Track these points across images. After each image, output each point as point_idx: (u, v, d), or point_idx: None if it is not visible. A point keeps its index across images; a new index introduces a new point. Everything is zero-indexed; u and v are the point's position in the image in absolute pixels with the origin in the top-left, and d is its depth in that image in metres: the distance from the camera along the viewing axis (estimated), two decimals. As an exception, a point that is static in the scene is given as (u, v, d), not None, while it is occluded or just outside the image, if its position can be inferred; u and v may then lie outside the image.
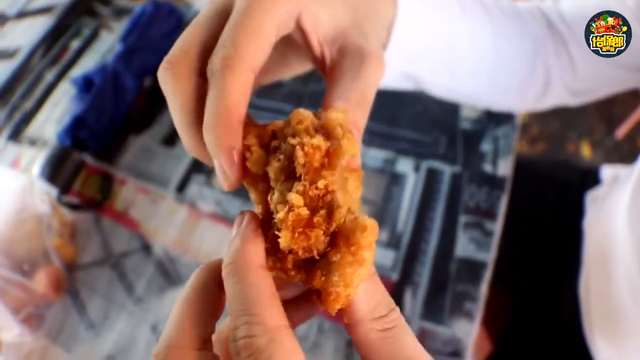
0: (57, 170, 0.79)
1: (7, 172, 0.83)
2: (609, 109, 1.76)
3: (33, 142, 0.88)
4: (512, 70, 0.60)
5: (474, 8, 0.55)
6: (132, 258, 0.74)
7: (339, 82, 0.34)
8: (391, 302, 0.29)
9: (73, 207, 0.78)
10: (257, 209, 0.31)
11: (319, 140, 0.28)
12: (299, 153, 0.28)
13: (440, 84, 0.57)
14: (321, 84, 0.82)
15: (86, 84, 0.83)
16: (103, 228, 0.77)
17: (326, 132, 0.30)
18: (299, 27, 0.35)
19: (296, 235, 0.27)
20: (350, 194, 0.31)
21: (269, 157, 0.30)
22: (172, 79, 0.32)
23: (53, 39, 1.02)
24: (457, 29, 0.53)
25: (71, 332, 0.71)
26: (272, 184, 0.30)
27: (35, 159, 0.84)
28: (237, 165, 0.30)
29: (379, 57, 0.35)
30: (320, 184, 0.27)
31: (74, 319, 0.71)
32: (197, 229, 0.74)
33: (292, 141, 0.29)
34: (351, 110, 0.32)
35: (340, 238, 0.27)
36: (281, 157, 0.29)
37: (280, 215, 0.27)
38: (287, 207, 0.27)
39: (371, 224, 0.27)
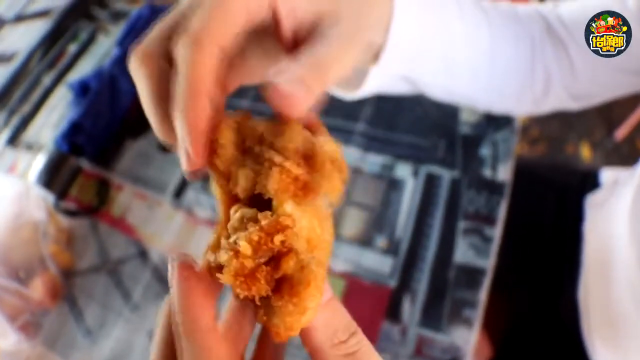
0: (54, 176, 0.79)
1: (3, 178, 0.82)
2: (609, 111, 1.76)
3: (30, 147, 0.88)
4: (510, 72, 0.60)
5: (471, 10, 0.55)
6: (128, 264, 0.73)
7: (298, 54, 0.33)
8: (351, 325, 0.28)
9: (70, 213, 0.78)
10: (219, 207, 0.31)
11: (298, 171, 0.28)
12: (274, 178, 0.27)
13: (438, 85, 0.57)
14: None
15: (83, 89, 0.83)
16: (100, 234, 0.77)
17: (313, 162, 0.29)
18: (273, 13, 0.34)
19: (237, 282, 0.26)
20: (319, 218, 0.30)
21: (244, 157, 0.29)
22: (138, 64, 0.32)
23: (50, 42, 1.02)
24: (454, 31, 0.53)
25: (68, 340, 0.70)
26: (238, 192, 0.29)
27: (32, 164, 0.84)
28: (201, 144, 0.29)
29: (347, 49, 0.35)
30: (277, 239, 0.26)
31: (71, 326, 0.71)
32: (194, 235, 0.74)
33: (274, 157, 0.28)
34: (305, 69, 0.31)
35: (284, 285, 0.26)
36: (258, 168, 0.28)
37: (223, 257, 0.26)
38: (232, 252, 0.26)
39: (315, 278, 0.26)
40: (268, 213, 0.27)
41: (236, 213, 0.28)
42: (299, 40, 0.36)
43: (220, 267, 0.26)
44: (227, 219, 0.29)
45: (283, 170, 0.27)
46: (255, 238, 0.26)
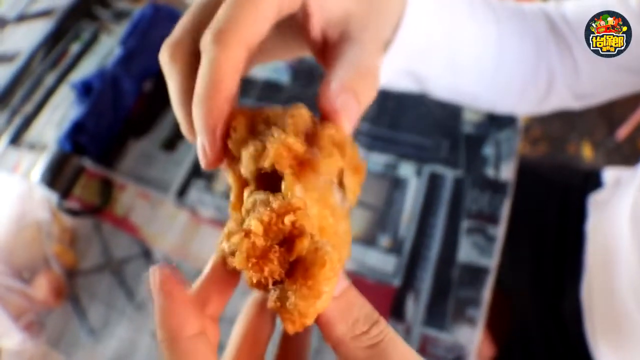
0: (57, 176, 0.79)
1: (6, 178, 0.82)
2: (610, 110, 1.76)
3: (33, 147, 0.88)
4: (514, 70, 0.60)
5: (482, 8, 0.55)
6: (132, 264, 0.73)
7: (341, 59, 0.33)
8: (373, 314, 0.27)
9: (73, 212, 0.78)
10: (232, 192, 0.31)
11: (295, 142, 0.27)
12: (272, 150, 0.27)
13: (443, 83, 0.57)
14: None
15: (85, 89, 0.83)
16: (103, 233, 0.77)
17: (316, 143, 0.29)
18: (304, 7, 0.33)
19: (249, 264, 0.25)
20: (332, 210, 0.29)
21: (252, 139, 0.29)
22: (168, 60, 0.32)
23: (53, 42, 1.02)
24: (464, 29, 0.53)
25: (72, 339, 0.70)
26: (243, 172, 0.29)
27: (35, 164, 0.84)
28: (218, 143, 0.30)
29: (378, 51, 0.35)
30: (287, 220, 0.25)
31: (75, 326, 0.71)
32: (197, 234, 0.74)
33: (274, 132, 0.28)
34: (354, 79, 0.31)
35: (298, 268, 0.25)
36: (258, 144, 0.28)
37: (234, 239, 0.26)
38: (243, 232, 0.25)
39: (331, 259, 0.25)
40: (280, 195, 0.26)
41: (249, 197, 0.28)
42: (327, 37, 0.35)
43: (234, 254, 0.26)
44: (241, 203, 0.29)
45: (282, 143, 0.27)
46: (266, 219, 0.25)
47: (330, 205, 0.29)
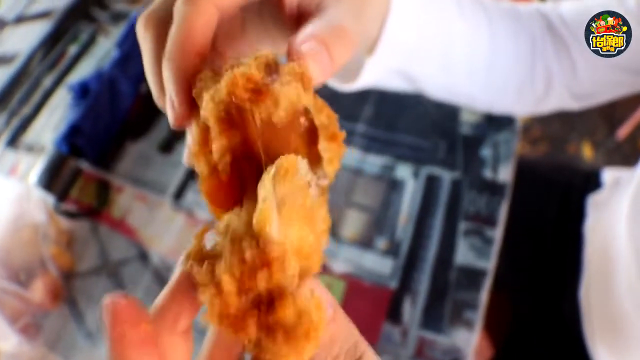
0: (54, 178, 0.79)
1: (3, 181, 0.82)
2: (610, 110, 1.75)
3: (30, 149, 0.88)
4: (509, 71, 0.59)
5: (471, 8, 0.55)
6: (129, 266, 0.73)
7: (313, 21, 0.32)
8: (356, 350, 0.25)
9: (70, 215, 0.78)
10: (193, 142, 0.29)
11: (251, 68, 0.26)
12: (228, 76, 0.26)
13: (436, 83, 0.57)
14: (321, 88, 0.81)
15: (82, 91, 0.83)
16: (100, 236, 0.77)
17: (277, 74, 0.27)
18: None
19: (223, 324, 0.22)
20: (310, 216, 0.27)
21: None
22: (142, 29, 0.32)
23: (51, 44, 1.02)
24: (453, 29, 0.53)
25: (69, 341, 0.70)
26: (203, 115, 0.27)
27: (33, 166, 0.84)
28: (186, 96, 0.29)
29: (354, 18, 0.34)
30: (262, 278, 0.22)
31: (72, 328, 0.71)
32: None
33: (235, 69, 0.26)
34: (326, 34, 0.30)
35: (278, 329, 0.23)
36: (217, 85, 0.27)
37: (204, 295, 0.23)
38: (213, 287, 0.22)
39: (315, 328, 0.22)
40: (253, 242, 0.23)
41: (224, 221, 0.26)
42: (303, 16, 0.35)
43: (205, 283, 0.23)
44: (206, 149, 0.28)
45: (237, 72, 0.26)
46: (237, 273, 0.23)
47: (308, 215, 0.27)
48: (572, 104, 0.65)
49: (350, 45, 0.31)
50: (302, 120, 0.30)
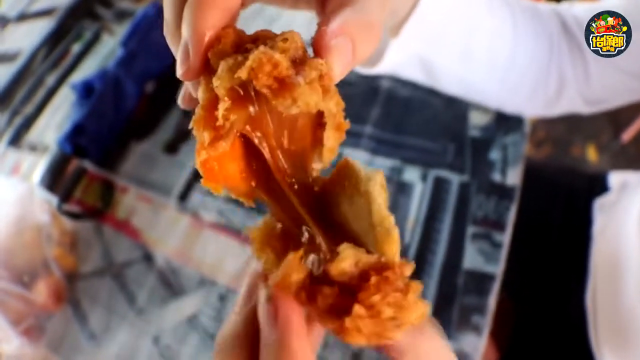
0: (58, 178, 0.79)
1: (6, 181, 0.82)
2: (615, 113, 1.74)
3: (33, 148, 0.87)
4: (526, 70, 0.59)
5: (499, 3, 0.55)
6: (133, 268, 0.73)
7: (343, 7, 0.31)
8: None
9: (73, 215, 0.77)
10: (199, 107, 0.29)
11: (281, 57, 0.25)
12: (253, 56, 0.25)
13: (453, 75, 0.57)
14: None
15: (86, 90, 0.82)
16: (104, 237, 0.76)
17: (301, 71, 0.27)
18: None
19: (364, 341, 0.24)
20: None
21: (232, 54, 0.28)
22: None
23: (54, 42, 1.01)
24: (480, 21, 0.53)
25: (72, 343, 0.70)
26: (215, 84, 0.27)
27: (36, 165, 0.84)
28: (203, 49, 0.28)
29: (382, 10, 0.33)
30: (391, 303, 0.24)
31: (75, 330, 0.70)
32: (199, 239, 0.73)
33: (261, 47, 0.26)
34: (354, 27, 0.29)
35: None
36: (240, 57, 0.26)
37: (351, 321, 0.24)
38: (364, 315, 0.24)
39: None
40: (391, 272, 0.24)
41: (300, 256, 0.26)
42: None
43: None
44: (211, 118, 0.28)
45: (265, 54, 0.25)
46: (378, 300, 0.24)
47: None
48: (583, 109, 0.65)
49: (375, 42, 0.30)
50: None
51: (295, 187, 0.31)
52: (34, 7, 1.11)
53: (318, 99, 0.26)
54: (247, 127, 0.29)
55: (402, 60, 0.52)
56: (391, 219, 0.25)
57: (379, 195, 0.26)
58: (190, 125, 0.27)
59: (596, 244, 0.76)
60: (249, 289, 0.29)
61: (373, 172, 0.27)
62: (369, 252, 0.25)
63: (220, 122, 0.27)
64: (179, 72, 0.29)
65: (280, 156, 0.31)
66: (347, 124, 0.31)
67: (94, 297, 0.72)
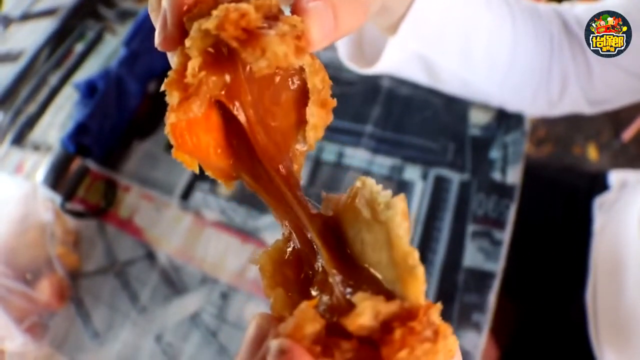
0: (61, 177, 0.79)
1: (9, 179, 0.82)
2: (616, 112, 1.74)
3: (37, 147, 0.88)
4: (527, 70, 0.60)
5: (498, 2, 0.55)
6: (136, 266, 0.73)
7: None
8: None
9: (76, 214, 0.78)
10: (174, 66, 0.27)
11: (249, 8, 0.24)
12: (219, 8, 0.24)
13: (454, 74, 0.57)
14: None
15: (89, 89, 0.82)
16: (107, 235, 0.76)
17: (276, 22, 0.25)
18: None
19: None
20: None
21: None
22: None
23: (57, 41, 1.02)
24: (479, 19, 0.53)
25: (75, 341, 0.70)
26: (186, 45, 0.26)
27: (39, 164, 0.84)
28: (178, 14, 0.27)
29: None
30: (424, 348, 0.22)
31: (78, 328, 0.71)
32: (202, 237, 0.73)
33: (232, 4, 0.24)
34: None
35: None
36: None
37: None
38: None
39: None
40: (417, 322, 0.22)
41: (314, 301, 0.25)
42: None
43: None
44: (182, 78, 0.26)
45: (232, 4, 0.24)
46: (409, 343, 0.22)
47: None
48: (585, 109, 0.65)
49: (361, 14, 0.29)
50: (295, 79, 0.29)
51: (283, 172, 0.30)
52: (37, 7, 1.12)
53: (289, 52, 0.24)
54: (223, 94, 0.28)
55: (401, 59, 0.52)
56: (415, 255, 0.23)
57: (400, 226, 0.23)
58: (162, 88, 0.26)
59: (596, 242, 0.76)
60: (257, 332, 0.26)
61: (393, 198, 0.24)
62: (387, 291, 0.23)
63: (189, 79, 0.26)
64: (157, 41, 0.28)
65: (262, 132, 0.29)
66: (333, 102, 0.29)
67: (97, 295, 0.72)
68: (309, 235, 0.28)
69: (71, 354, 0.69)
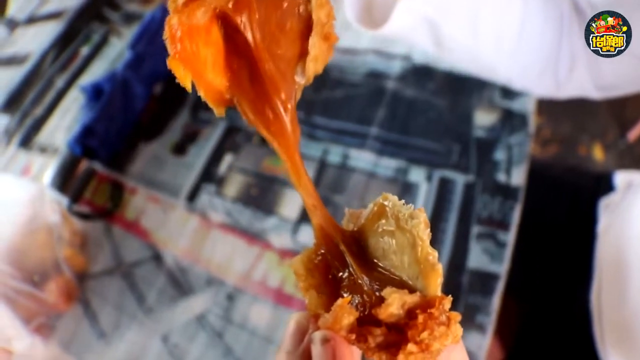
0: (68, 179, 0.80)
1: (17, 181, 0.83)
2: (621, 111, 1.75)
3: (43, 149, 0.89)
4: (536, 46, 0.59)
5: None
6: (142, 268, 0.74)
7: None
8: None
9: (83, 216, 0.78)
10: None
11: None
12: None
13: (461, 43, 0.56)
14: (335, 91, 0.83)
15: (96, 92, 0.83)
16: (114, 237, 0.77)
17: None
18: None
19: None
20: None
21: None
22: None
23: (63, 44, 1.02)
24: None
25: (82, 342, 0.71)
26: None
27: (46, 167, 0.85)
28: None
29: None
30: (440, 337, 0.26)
31: (85, 329, 0.71)
32: (208, 239, 0.74)
33: None
34: None
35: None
36: None
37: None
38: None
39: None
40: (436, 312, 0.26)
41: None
42: None
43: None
44: None
45: None
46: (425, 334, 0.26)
47: None
48: (593, 93, 0.63)
49: None
50: (302, 9, 0.29)
51: (286, 102, 0.30)
52: (43, 10, 1.13)
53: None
54: (230, 6, 0.28)
55: (410, 23, 0.52)
56: (436, 254, 0.27)
57: (424, 232, 0.27)
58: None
59: (601, 243, 0.76)
60: (297, 330, 0.31)
61: (416, 210, 0.28)
62: (408, 285, 0.27)
63: None
64: None
65: (268, 58, 0.29)
66: (336, 37, 0.30)
67: (104, 297, 0.73)
68: (338, 246, 0.31)
69: (78, 354, 0.70)
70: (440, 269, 0.27)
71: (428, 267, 0.27)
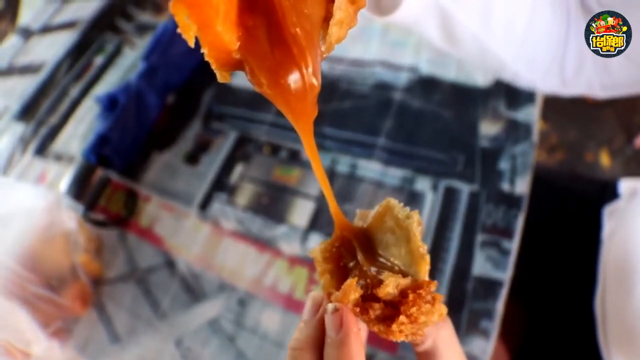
0: (83, 188, 0.81)
1: (35, 189, 0.85)
2: (628, 118, 1.75)
3: (59, 158, 0.90)
4: (543, 39, 0.59)
5: None
6: (156, 274, 0.75)
7: None
8: None
9: (99, 223, 0.80)
10: None
11: None
12: None
13: (471, 32, 0.56)
14: (344, 102, 0.84)
15: (110, 102, 0.85)
16: (128, 244, 0.79)
17: None
18: None
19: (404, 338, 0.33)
20: None
21: None
22: None
23: (77, 54, 1.04)
24: None
25: (98, 345, 0.72)
26: None
27: (61, 174, 0.86)
28: None
29: None
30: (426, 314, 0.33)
31: (101, 333, 0.73)
32: (220, 246, 0.75)
33: None
34: None
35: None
36: None
37: (397, 325, 0.33)
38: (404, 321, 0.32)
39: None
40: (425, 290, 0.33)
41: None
42: None
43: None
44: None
45: None
46: (414, 312, 0.32)
47: None
48: (598, 92, 0.64)
49: None
50: None
51: (311, 66, 0.28)
52: (57, 20, 1.14)
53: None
54: None
55: (420, 10, 0.52)
56: (425, 247, 0.33)
57: (416, 229, 0.33)
58: None
59: (605, 249, 0.76)
60: (313, 305, 0.36)
61: (411, 212, 0.34)
62: (403, 272, 0.34)
63: None
64: None
65: (295, 19, 0.26)
66: (364, 1, 0.27)
67: (119, 302, 0.75)
68: (351, 241, 0.37)
69: (94, 358, 0.71)
70: (428, 258, 0.33)
71: (419, 256, 0.33)
